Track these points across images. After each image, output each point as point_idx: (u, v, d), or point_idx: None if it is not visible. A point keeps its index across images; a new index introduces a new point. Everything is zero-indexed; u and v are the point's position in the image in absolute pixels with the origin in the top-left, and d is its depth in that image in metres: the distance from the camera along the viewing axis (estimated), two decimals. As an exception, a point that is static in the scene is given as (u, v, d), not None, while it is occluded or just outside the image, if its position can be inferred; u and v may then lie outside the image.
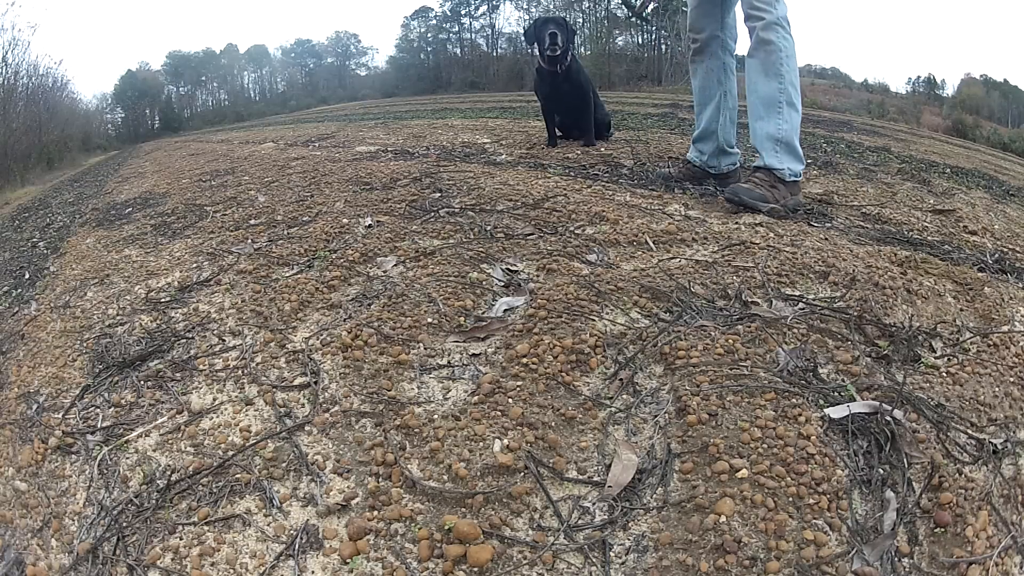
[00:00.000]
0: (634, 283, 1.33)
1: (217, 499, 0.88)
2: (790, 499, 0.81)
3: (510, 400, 1.01)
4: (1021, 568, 0.77)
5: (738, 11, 2.04)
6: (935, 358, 1.11)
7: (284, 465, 0.93)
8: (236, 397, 1.09)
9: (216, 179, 3.23)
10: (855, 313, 1.21)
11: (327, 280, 1.45)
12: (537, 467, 0.89)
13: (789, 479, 0.83)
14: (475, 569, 0.76)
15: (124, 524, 0.86)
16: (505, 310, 1.28)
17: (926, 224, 1.94)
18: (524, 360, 1.10)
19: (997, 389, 1.03)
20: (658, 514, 0.83)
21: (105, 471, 0.96)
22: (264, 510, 0.87)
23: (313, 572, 0.78)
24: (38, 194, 7.23)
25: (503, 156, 3.10)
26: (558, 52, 2.93)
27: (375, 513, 0.84)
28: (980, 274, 1.49)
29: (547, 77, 3.06)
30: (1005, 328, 1.25)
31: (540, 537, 0.81)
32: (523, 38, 3.44)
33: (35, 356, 1.38)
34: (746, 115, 1.97)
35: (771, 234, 1.66)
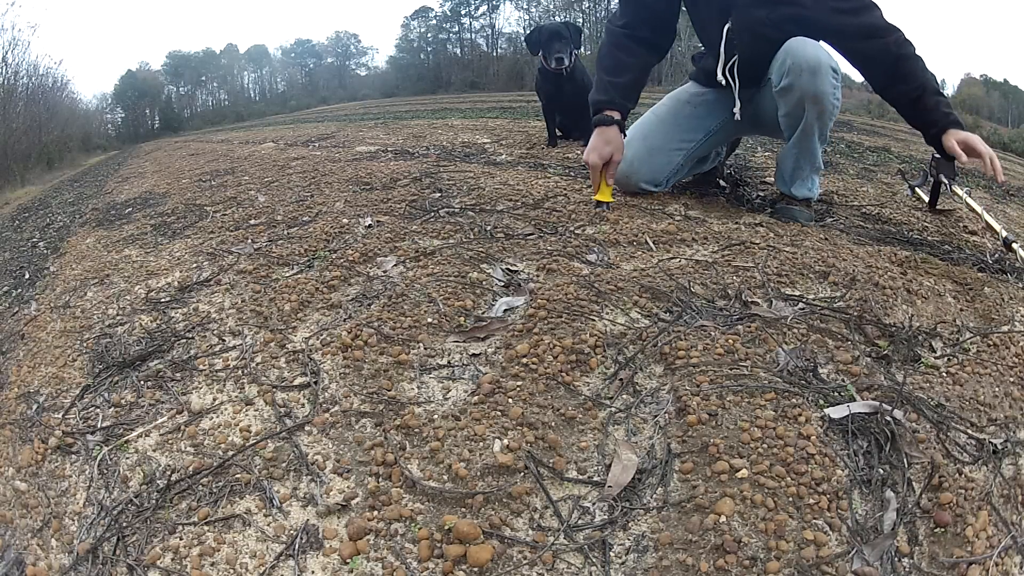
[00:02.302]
0: (634, 283, 1.33)
1: (217, 499, 0.88)
2: (790, 499, 0.81)
3: (510, 400, 1.01)
4: (1021, 568, 0.77)
5: None
6: (935, 358, 1.12)
7: (284, 465, 0.93)
8: (236, 397, 1.09)
9: (216, 179, 3.23)
10: (855, 313, 1.21)
11: (327, 280, 1.45)
12: (537, 467, 0.89)
13: (789, 479, 0.83)
14: (475, 569, 0.76)
15: (124, 524, 0.86)
16: (505, 310, 1.28)
17: (926, 224, 1.94)
18: (524, 360, 1.10)
19: (997, 389, 1.03)
20: (658, 514, 0.83)
21: (105, 471, 0.96)
22: (264, 510, 0.87)
23: (313, 572, 0.78)
24: (38, 194, 7.22)
25: (503, 156, 3.11)
26: (564, 65, 3.02)
27: (375, 513, 0.84)
28: (980, 274, 1.49)
29: (551, 78, 3.13)
30: (1005, 328, 1.25)
31: (540, 537, 0.81)
32: (525, 43, 3.47)
33: (35, 356, 1.38)
34: None
35: (771, 234, 1.66)
